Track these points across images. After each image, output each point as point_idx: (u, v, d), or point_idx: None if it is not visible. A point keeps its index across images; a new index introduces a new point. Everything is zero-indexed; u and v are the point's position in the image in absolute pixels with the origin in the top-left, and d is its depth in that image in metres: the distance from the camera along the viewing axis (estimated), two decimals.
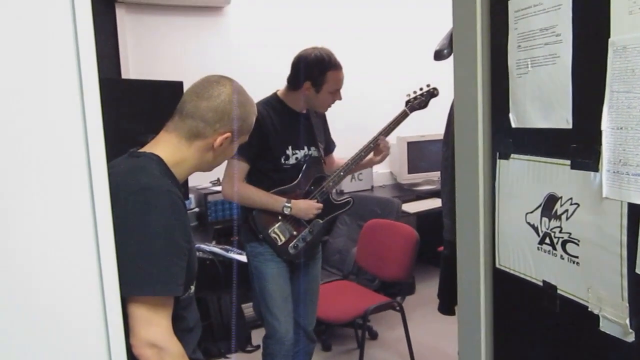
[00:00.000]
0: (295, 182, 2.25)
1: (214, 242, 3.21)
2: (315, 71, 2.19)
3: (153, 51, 3.59)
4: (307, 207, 2.24)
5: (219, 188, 3.47)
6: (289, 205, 2.20)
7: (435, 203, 4.28)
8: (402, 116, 2.40)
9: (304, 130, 2.31)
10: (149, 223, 1.09)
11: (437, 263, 4.14)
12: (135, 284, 1.05)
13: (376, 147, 2.40)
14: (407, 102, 2.44)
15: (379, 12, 4.48)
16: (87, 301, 0.72)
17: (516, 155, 1.24)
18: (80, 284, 0.71)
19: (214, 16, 3.81)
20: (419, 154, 4.34)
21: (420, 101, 2.43)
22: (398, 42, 4.56)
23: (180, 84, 2.23)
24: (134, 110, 2.29)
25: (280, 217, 2.23)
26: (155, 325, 1.08)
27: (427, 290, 3.96)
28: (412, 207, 4.09)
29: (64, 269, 0.70)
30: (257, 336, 3.30)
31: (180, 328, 1.20)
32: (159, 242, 1.09)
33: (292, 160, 2.25)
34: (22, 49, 0.64)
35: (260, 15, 3.93)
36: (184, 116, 1.28)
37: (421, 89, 2.47)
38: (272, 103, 2.27)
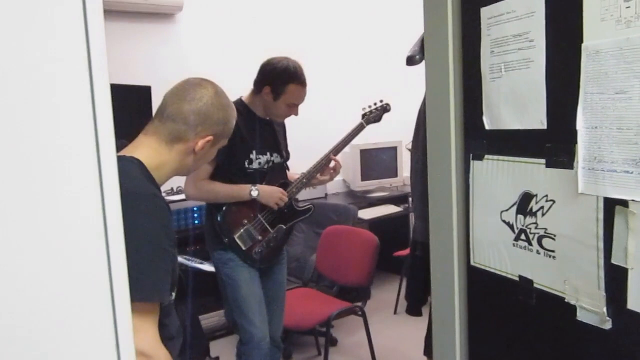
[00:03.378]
0: None
1: None
2: (278, 79, 2.21)
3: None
4: (273, 191, 2.26)
5: (175, 197, 3.41)
6: (255, 188, 2.21)
7: (389, 210, 4.37)
8: (359, 128, 2.51)
9: (268, 136, 2.33)
10: (135, 229, 1.06)
11: (391, 268, 4.24)
12: None
13: (325, 167, 2.44)
14: (364, 116, 2.57)
15: (338, 22, 4.54)
16: (96, 304, 0.69)
17: (490, 157, 1.29)
18: (89, 285, 0.69)
19: (166, 23, 3.75)
20: (372, 161, 4.42)
21: (376, 115, 2.57)
22: (356, 53, 4.64)
23: (148, 89, 2.19)
24: None
25: (245, 222, 2.23)
26: (143, 333, 1.05)
27: (383, 295, 4.03)
28: (366, 214, 4.15)
29: (72, 271, 0.67)
30: (216, 348, 3.25)
31: (162, 337, 1.17)
32: (146, 248, 1.07)
33: (255, 165, 2.26)
34: (31, 47, 0.62)
35: (212, 23, 3.91)
36: (165, 119, 1.26)
37: (375, 104, 2.61)
38: (237, 107, 2.24)
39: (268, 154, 2.31)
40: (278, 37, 4.07)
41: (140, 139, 1.27)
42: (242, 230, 2.22)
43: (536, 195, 1.16)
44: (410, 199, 1.70)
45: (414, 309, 1.96)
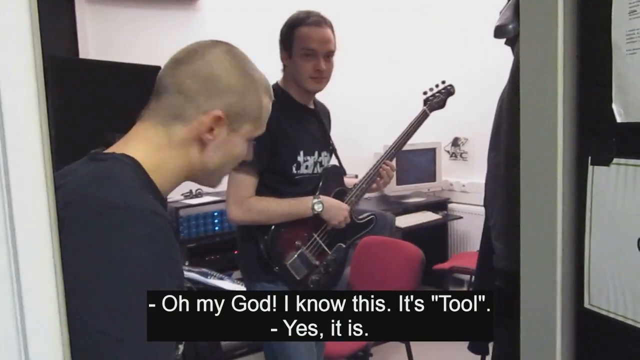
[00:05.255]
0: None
1: (187, 263, 2.82)
2: (285, 28, 1.84)
3: (117, 48, 3.18)
4: (339, 206, 1.84)
5: (193, 201, 3.08)
6: (319, 200, 1.79)
7: (426, 217, 4.00)
8: (423, 117, 2.08)
9: (313, 129, 1.91)
10: (120, 260, 0.71)
11: (431, 283, 3.86)
12: (96, 357, 0.67)
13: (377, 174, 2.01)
14: (426, 101, 2.12)
15: (371, 10, 4.19)
16: None
17: (622, 160, 0.92)
18: None
19: (186, 10, 3.44)
20: (408, 164, 4.05)
21: (440, 100, 2.12)
22: (394, 42, 4.28)
23: (158, 70, 1.81)
24: (96, 100, 1.85)
25: (299, 244, 1.82)
26: None
27: None
28: (401, 222, 3.79)
29: None
30: None
31: None
32: (136, 290, 0.71)
33: (303, 170, 1.83)
34: None
35: (237, 9, 3.58)
36: (160, 93, 0.91)
37: (437, 86, 2.17)
38: (275, 95, 1.85)
39: (316, 153, 1.88)
40: None
41: (134, 127, 0.91)
42: (295, 255, 1.79)
43: None
44: (485, 213, 1.32)
45: (479, 346, 1.60)
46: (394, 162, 2.05)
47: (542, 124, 1.04)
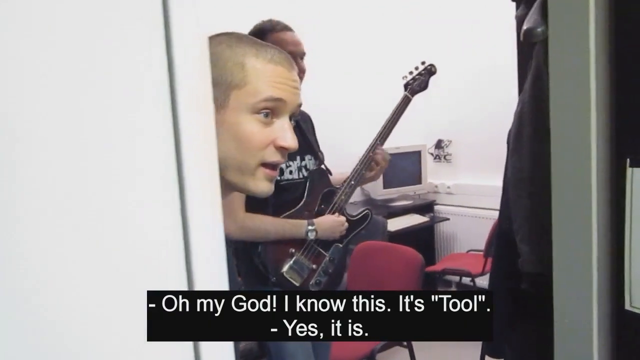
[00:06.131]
0: (302, 203, 1.83)
1: None
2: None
3: None
4: (332, 223, 1.83)
5: None
6: (313, 228, 1.77)
7: (414, 220, 4.00)
8: (405, 102, 2.06)
9: (296, 135, 1.90)
10: None
11: (424, 286, 3.86)
12: None
13: (371, 160, 2.01)
14: (407, 85, 2.10)
15: (354, 12, 4.18)
16: None
17: None
18: None
19: None
20: (394, 167, 4.04)
21: (421, 81, 2.10)
22: (374, 43, 4.29)
23: None
24: None
25: (293, 251, 1.79)
26: None
27: None
28: (388, 225, 3.78)
29: None
30: None
31: None
32: None
33: (287, 175, 1.82)
34: None
35: (216, 12, 3.52)
36: None
37: (417, 68, 2.15)
38: None
39: (298, 158, 1.88)
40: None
41: None
42: (290, 262, 1.76)
43: None
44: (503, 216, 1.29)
45: (497, 349, 1.58)
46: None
47: (574, 126, 1.03)
